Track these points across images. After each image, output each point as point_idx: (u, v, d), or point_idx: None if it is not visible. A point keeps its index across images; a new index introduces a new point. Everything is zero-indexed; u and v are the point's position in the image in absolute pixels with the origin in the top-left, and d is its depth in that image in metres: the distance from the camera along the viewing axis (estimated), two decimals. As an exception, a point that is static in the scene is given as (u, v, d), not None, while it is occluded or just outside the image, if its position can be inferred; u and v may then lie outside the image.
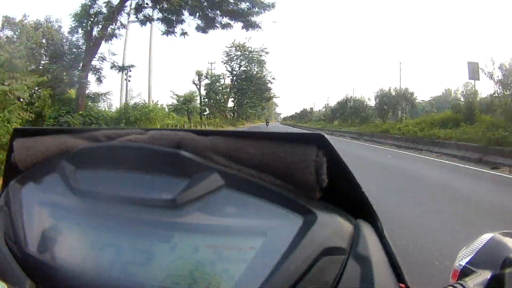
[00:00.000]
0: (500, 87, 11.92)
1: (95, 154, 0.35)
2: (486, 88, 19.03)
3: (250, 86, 39.75)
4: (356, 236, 0.29)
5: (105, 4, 12.59)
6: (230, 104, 42.63)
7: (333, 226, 0.28)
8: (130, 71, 16.11)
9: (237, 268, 0.27)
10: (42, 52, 13.08)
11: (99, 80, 13.36)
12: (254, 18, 15.65)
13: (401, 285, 0.29)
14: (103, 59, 13.27)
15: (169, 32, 15.24)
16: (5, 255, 0.34)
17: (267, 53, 41.32)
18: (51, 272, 0.31)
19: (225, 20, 15.64)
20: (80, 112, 11.88)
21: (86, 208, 0.33)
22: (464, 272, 0.46)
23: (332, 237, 0.27)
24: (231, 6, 14.96)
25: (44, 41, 12.96)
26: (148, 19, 14.63)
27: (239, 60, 39.11)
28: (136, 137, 0.34)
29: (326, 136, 0.30)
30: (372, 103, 25.05)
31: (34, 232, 0.34)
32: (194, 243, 0.28)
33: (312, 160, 0.29)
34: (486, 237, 0.50)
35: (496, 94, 12.30)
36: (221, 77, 37.33)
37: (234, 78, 39.36)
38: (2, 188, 0.40)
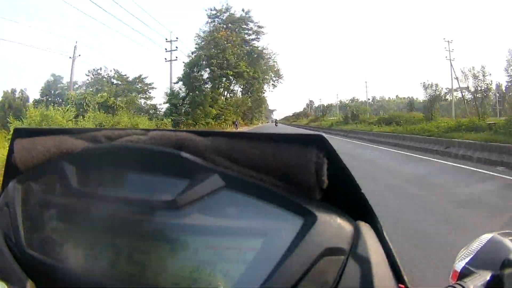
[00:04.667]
0: None
1: (96, 155, 0.35)
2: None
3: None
4: (356, 237, 0.29)
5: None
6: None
7: (333, 227, 0.28)
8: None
9: (237, 269, 0.27)
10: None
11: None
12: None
13: (401, 285, 0.29)
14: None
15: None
16: (5, 255, 0.34)
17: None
18: (51, 272, 0.31)
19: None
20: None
21: (86, 209, 0.33)
22: (464, 273, 0.46)
23: (332, 238, 0.27)
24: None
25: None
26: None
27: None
28: (137, 137, 0.34)
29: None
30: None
31: (34, 232, 0.34)
32: (195, 244, 0.28)
33: (312, 161, 0.29)
34: (485, 237, 0.51)
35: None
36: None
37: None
38: (2, 188, 0.40)
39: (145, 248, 0.29)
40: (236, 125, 31.26)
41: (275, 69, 38.32)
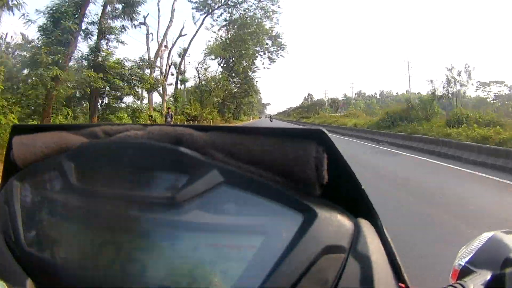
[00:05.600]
0: None
1: (94, 150, 0.35)
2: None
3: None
4: (356, 235, 0.28)
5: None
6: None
7: (333, 224, 0.28)
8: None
9: (237, 267, 0.26)
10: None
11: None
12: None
13: (401, 284, 0.29)
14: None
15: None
16: (5, 253, 0.34)
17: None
18: (51, 271, 0.31)
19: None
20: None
21: (85, 206, 0.33)
22: (464, 272, 0.46)
23: (332, 235, 0.27)
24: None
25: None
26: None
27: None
28: (135, 133, 0.34)
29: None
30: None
31: (33, 230, 0.34)
32: (194, 241, 0.28)
33: (312, 156, 0.28)
34: (486, 236, 0.50)
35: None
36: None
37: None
38: (1, 185, 0.40)
39: (145, 246, 0.29)
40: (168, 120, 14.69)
41: (273, 32, 23.04)
